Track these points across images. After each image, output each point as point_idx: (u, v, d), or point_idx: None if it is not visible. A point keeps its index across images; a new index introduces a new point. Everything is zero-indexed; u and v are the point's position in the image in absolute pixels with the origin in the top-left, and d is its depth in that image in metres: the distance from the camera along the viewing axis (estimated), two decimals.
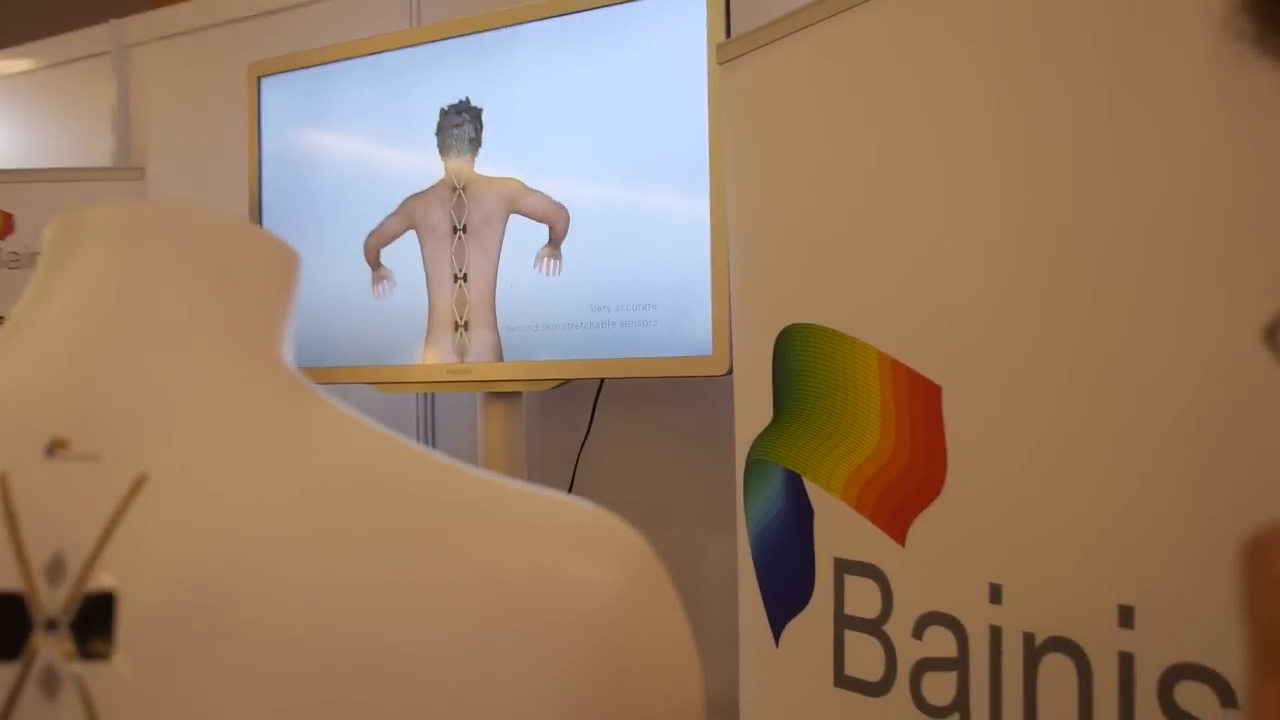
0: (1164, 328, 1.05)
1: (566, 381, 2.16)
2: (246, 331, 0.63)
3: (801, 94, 1.54)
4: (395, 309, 2.32)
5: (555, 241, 2.15)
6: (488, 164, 2.25)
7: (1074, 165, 1.14)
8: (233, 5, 2.90)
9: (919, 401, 1.33)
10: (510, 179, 2.22)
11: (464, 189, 2.27)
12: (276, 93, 2.46)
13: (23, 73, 3.41)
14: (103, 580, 0.54)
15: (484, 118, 2.25)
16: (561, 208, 2.15)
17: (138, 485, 0.56)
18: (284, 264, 0.68)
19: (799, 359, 1.53)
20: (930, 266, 1.32)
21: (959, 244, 1.28)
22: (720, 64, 1.71)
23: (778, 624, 1.56)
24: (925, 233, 1.33)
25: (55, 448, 0.57)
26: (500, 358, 2.20)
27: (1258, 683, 0.38)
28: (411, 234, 2.33)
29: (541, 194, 2.17)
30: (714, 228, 1.95)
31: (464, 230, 2.26)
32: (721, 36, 1.95)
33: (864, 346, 1.40)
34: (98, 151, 3.06)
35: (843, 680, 1.44)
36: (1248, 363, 0.43)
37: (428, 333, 2.29)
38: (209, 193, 2.74)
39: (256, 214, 2.49)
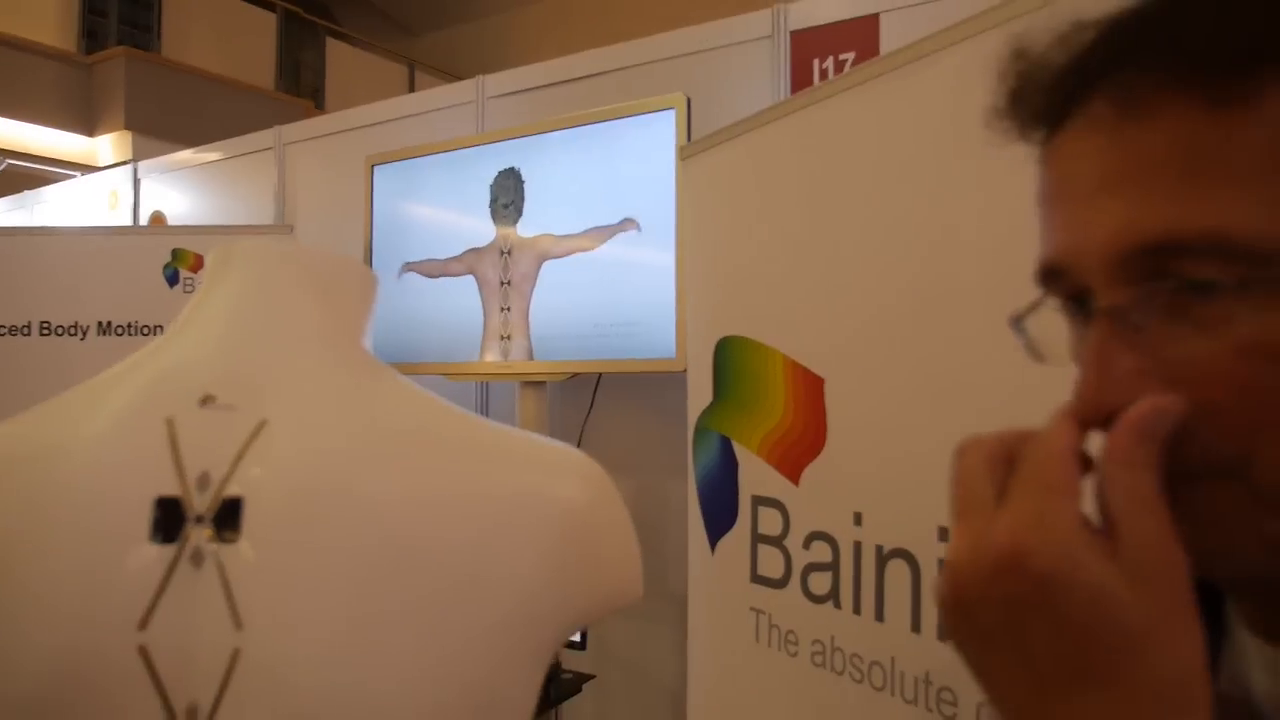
0: (967, 336, 1.01)
1: (576, 375, 2.14)
2: (339, 328, 0.63)
3: (734, 181, 1.49)
4: (461, 325, 2.30)
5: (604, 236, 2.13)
6: (526, 228, 2.22)
7: (911, 227, 1.11)
8: (359, 116, 2.89)
9: (809, 388, 1.28)
10: (543, 235, 2.19)
11: (509, 252, 2.24)
12: (385, 176, 2.43)
13: (213, 161, 3.39)
14: (234, 490, 0.55)
15: (525, 188, 2.23)
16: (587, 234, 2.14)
17: (260, 428, 0.56)
18: (366, 283, 0.68)
19: (730, 359, 1.48)
20: (818, 297, 1.27)
21: (838, 283, 1.24)
22: (682, 160, 1.66)
23: (714, 539, 1.51)
24: (815, 274, 1.28)
25: (206, 400, 0.57)
26: (531, 358, 2.18)
27: (952, 534, 0.37)
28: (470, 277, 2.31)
29: (568, 239, 2.15)
30: (677, 272, 1.92)
31: (509, 283, 2.24)
32: (684, 141, 1.92)
33: (773, 351, 1.36)
34: (262, 216, 3.04)
35: (756, 578, 1.39)
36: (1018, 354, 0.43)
37: (483, 341, 2.25)
38: (338, 244, 2.72)
39: (369, 258, 2.47)
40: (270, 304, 0.61)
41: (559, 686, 2.14)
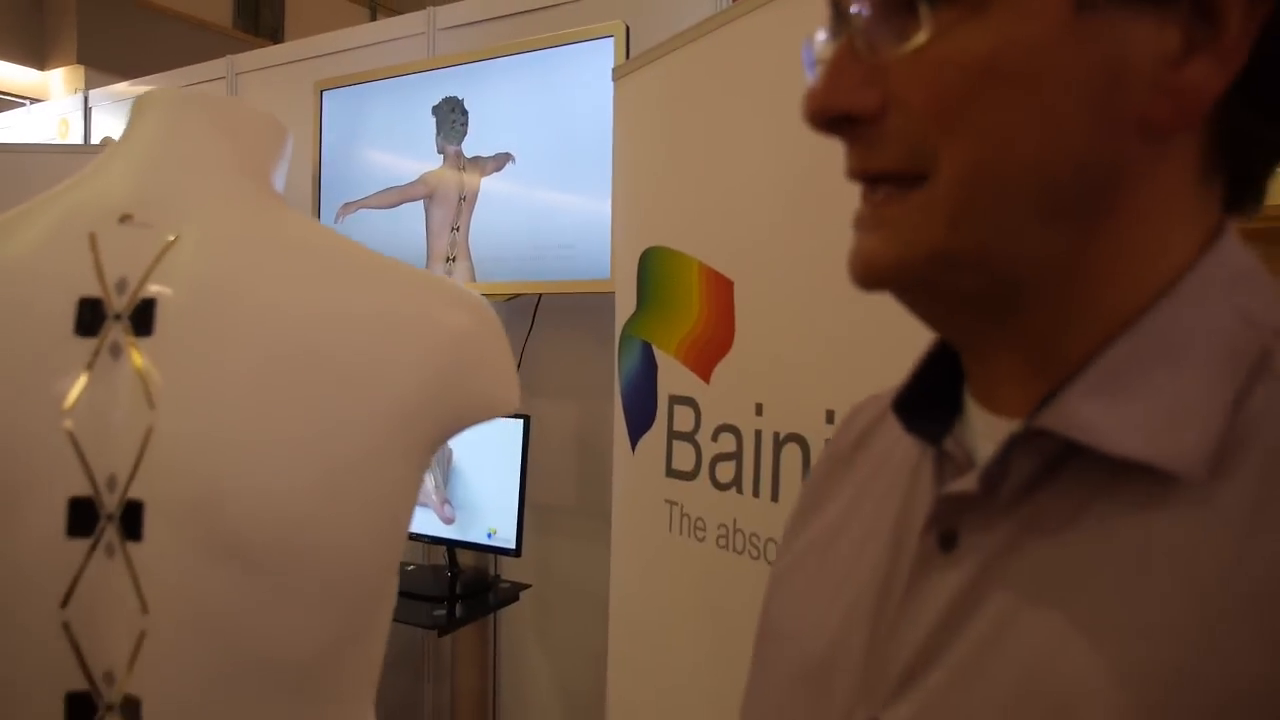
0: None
1: (517, 295, 2.20)
2: (247, 167, 0.70)
3: (659, 100, 1.56)
4: (405, 256, 2.32)
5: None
6: (472, 149, 2.27)
7: (810, 138, 1.20)
8: (313, 45, 2.90)
9: (719, 291, 1.36)
10: (487, 158, 2.24)
11: (464, 168, 2.28)
12: (334, 102, 2.47)
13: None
14: (149, 290, 0.62)
15: (469, 114, 2.27)
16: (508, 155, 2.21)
17: (171, 244, 0.64)
18: (276, 132, 0.75)
19: (652, 269, 1.55)
20: (730, 209, 1.35)
21: (747, 191, 1.31)
22: (615, 80, 1.73)
23: (634, 438, 1.60)
24: (727, 184, 1.35)
25: (124, 219, 0.64)
26: (474, 279, 2.23)
27: None
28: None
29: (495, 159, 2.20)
30: (614, 194, 1.98)
31: (464, 198, 2.27)
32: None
33: (688, 258, 1.44)
34: None
35: (670, 471, 1.48)
36: None
37: (427, 264, 2.29)
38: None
39: (318, 182, 2.51)
40: (183, 140, 0.68)
41: (497, 594, 2.24)
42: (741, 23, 1.35)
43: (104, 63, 6.07)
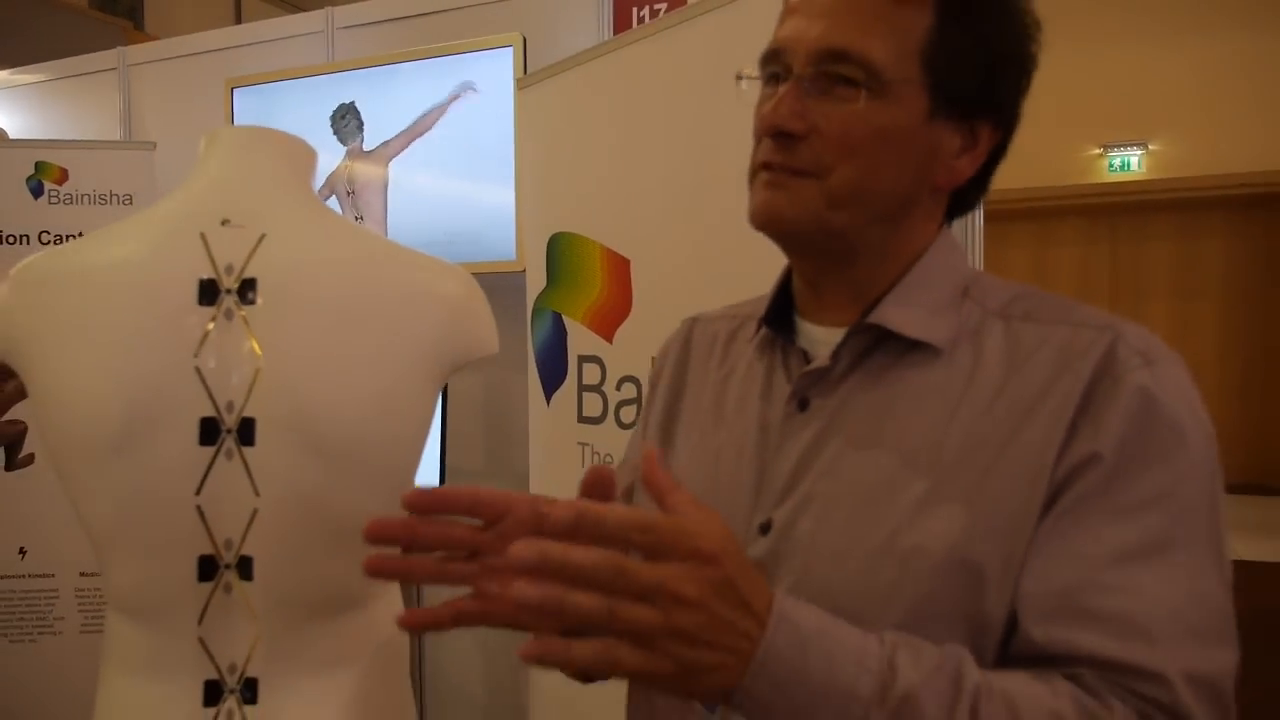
0: (726, 222, 1.31)
1: None
2: (301, 181, 0.97)
3: (561, 108, 1.82)
4: None
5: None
6: (372, 142, 2.48)
7: (691, 142, 1.48)
8: (210, 40, 3.02)
9: (619, 269, 1.66)
10: (381, 145, 2.46)
11: (353, 163, 2.48)
12: (244, 98, 2.63)
13: (44, 80, 3.42)
14: (250, 273, 0.89)
15: (363, 113, 2.49)
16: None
17: (262, 238, 0.91)
18: (311, 155, 1.01)
19: (559, 251, 1.82)
20: (625, 197, 1.63)
21: (640, 186, 1.60)
22: (520, 90, 1.99)
23: (549, 393, 1.88)
24: (623, 180, 1.64)
25: (225, 222, 0.91)
26: None
27: None
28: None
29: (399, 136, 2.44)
30: (517, 186, 2.24)
31: (352, 192, 2.47)
32: (521, 73, 2.23)
33: (591, 242, 1.72)
34: (107, 135, 3.13)
35: (582, 419, 1.77)
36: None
37: None
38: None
39: None
40: (256, 163, 0.95)
41: None
42: (632, 48, 1.66)
43: None
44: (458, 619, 0.63)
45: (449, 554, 0.65)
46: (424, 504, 0.61)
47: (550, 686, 1.89)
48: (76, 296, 0.89)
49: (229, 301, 0.88)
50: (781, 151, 0.68)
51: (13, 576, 2.33)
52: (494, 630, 0.61)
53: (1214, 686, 0.58)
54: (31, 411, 0.91)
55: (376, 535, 0.61)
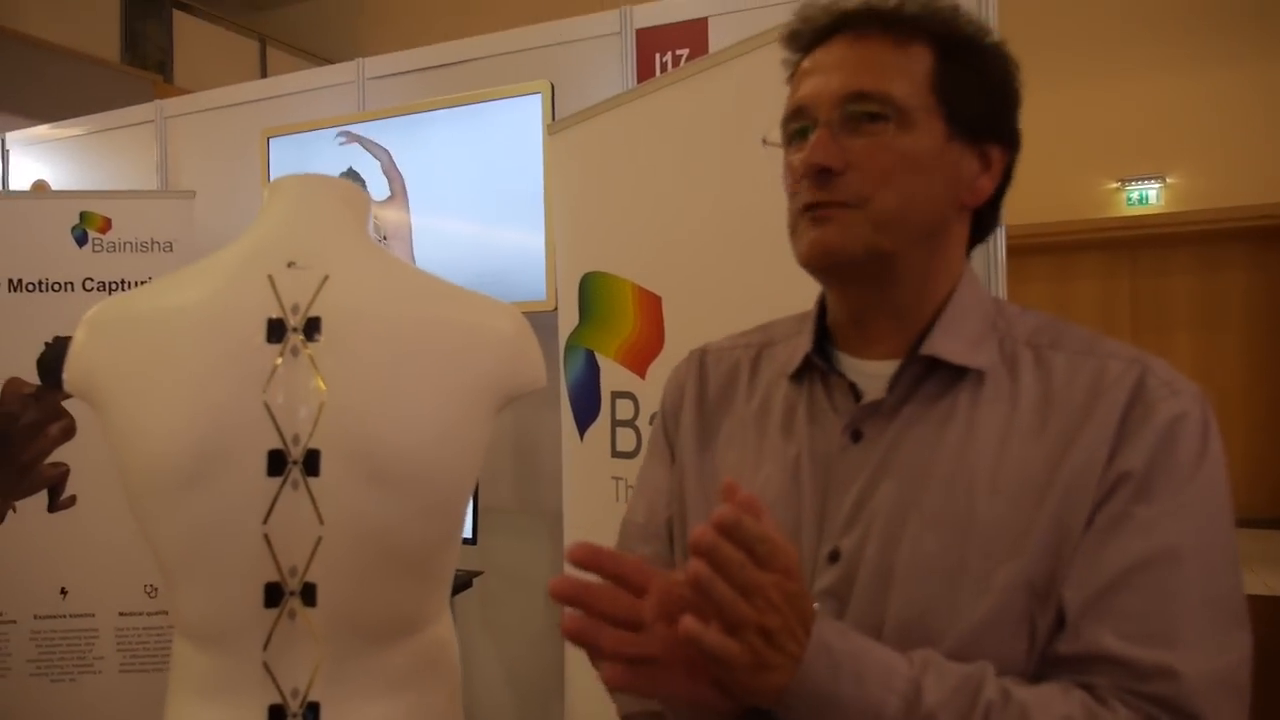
0: (755, 258, 1.41)
1: None
2: (359, 224, 1.03)
3: (591, 153, 1.88)
4: None
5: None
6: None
7: (720, 184, 1.53)
8: (243, 92, 3.12)
9: (650, 306, 1.70)
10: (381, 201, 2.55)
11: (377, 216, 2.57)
12: (280, 148, 2.72)
13: (83, 134, 3.53)
14: (314, 312, 0.94)
15: (397, 161, 2.58)
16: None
17: (325, 279, 0.96)
18: (366, 198, 1.07)
19: (591, 290, 1.87)
20: (656, 237, 1.68)
21: (670, 226, 1.65)
22: (550, 135, 2.05)
23: (582, 430, 1.91)
24: (653, 221, 1.69)
25: (290, 264, 0.96)
26: None
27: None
28: None
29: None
30: (546, 228, 2.31)
31: (384, 239, 2.55)
32: (550, 120, 2.30)
33: (623, 280, 1.77)
34: (145, 185, 3.23)
35: (615, 453, 1.80)
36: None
37: None
38: (235, 210, 2.95)
39: None
40: (317, 207, 1.01)
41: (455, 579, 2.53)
42: (659, 94, 1.72)
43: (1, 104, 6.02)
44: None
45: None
46: (588, 560, 0.63)
47: (584, 717, 1.91)
48: (150, 337, 0.95)
49: (295, 339, 0.93)
50: (823, 189, 0.73)
51: (54, 616, 2.37)
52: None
53: (1230, 677, 0.64)
54: (106, 447, 0.96)
55: (559, 594, 0.61)
